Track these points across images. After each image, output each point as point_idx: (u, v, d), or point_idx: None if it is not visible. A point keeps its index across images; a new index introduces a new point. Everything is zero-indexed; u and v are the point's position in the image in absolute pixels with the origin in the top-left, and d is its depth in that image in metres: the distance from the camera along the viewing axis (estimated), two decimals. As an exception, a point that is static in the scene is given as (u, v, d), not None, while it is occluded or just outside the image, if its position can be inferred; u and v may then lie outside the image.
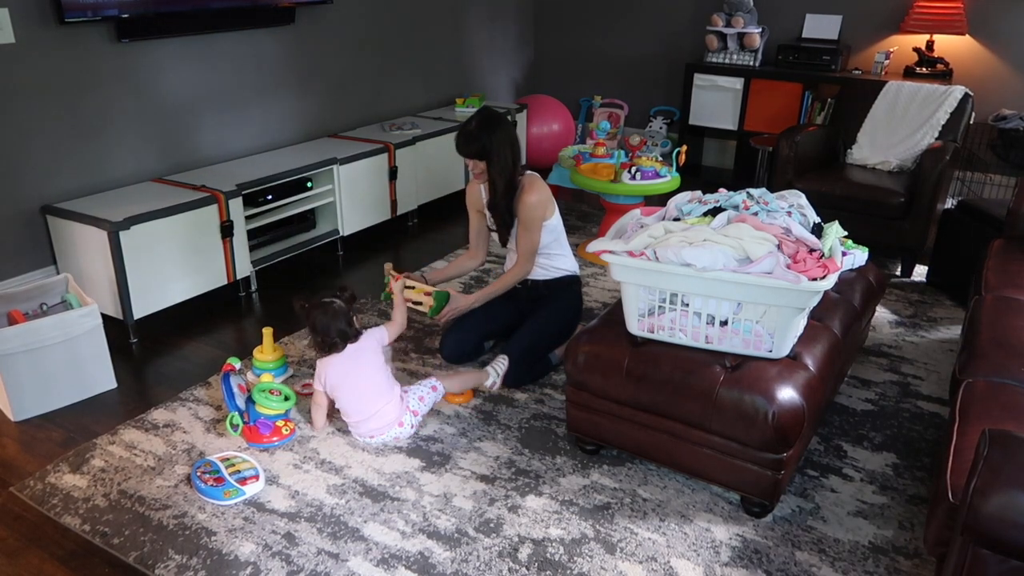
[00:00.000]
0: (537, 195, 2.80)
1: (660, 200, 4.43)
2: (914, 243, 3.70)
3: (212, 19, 3.66)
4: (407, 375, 2.87)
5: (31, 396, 2.61)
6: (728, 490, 2.25)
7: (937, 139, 3.95)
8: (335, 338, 2.44)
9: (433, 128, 4.60)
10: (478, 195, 2.99)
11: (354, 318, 2.51)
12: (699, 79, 5.34)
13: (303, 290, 3.66)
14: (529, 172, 2.87)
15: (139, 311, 3.12)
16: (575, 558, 2.02)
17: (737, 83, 5.21)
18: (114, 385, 2.81)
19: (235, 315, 3.43)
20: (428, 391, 2.56)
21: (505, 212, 2.86)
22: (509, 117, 5.12)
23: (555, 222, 2.90)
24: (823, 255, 2.10)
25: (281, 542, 2.07)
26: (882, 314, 3.40)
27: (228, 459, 2.33)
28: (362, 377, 2.44)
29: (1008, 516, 1.37)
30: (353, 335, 2.47)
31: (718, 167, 5.85)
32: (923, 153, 3.79)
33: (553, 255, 2.94)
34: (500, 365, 2.75)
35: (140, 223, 3.05)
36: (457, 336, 2.93)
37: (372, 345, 2.50)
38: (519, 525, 2.13)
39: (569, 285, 3.01)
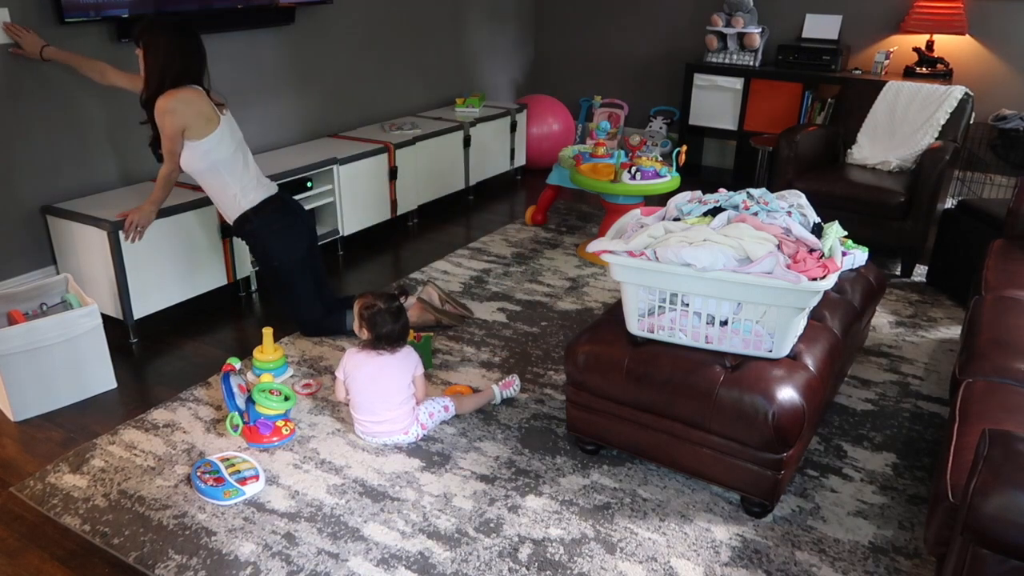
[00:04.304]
0: (170, 102, 2.63)
1: (660, 200, 4.44)
2: (914, 243, 3.70)
3: (212, 19, 3.66)
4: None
5: (31, 396, 2.61)
6: (728, 490, 2.25)
7: (937, 139, 3.96)
8: (380, 338, 2.43)
9: (433, 128, 4.60)
10: None
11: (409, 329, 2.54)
12: (699, 79, 5.35)
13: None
14: (187, 87, 2.68)
15: (139, 311, 3.12)
16: (575, 558, 2.02)
17: (737, 83, 5.22)
18: (114, 385, 2.81)
19: (235, 315, 3.43)
20: (440, 410, 2.55)
21: (151, 116, 2.70)
22: (510, 117, 5.13)
23: (208, 146, 2.70)
24: (823, 255, 2.10)
25: (281, 542, 2.07)
26: (882, 314, 3.40)
27: (228, 459, 2.33)
28: (380, 384, 2.43)
29: (1008, 516, 1.37)
30: (395, 343, 2.46)
31: (718, 167, 5.85)
32: (923, 153, 3.79)
33: (214, 189, 2.85)
34: (504, 387, 2.74)
35: (140, 223, 3.05)
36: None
37: (404, 365, 2.47)
38: (519, 525, 2.13)
39: (242, 231, 2.92)
